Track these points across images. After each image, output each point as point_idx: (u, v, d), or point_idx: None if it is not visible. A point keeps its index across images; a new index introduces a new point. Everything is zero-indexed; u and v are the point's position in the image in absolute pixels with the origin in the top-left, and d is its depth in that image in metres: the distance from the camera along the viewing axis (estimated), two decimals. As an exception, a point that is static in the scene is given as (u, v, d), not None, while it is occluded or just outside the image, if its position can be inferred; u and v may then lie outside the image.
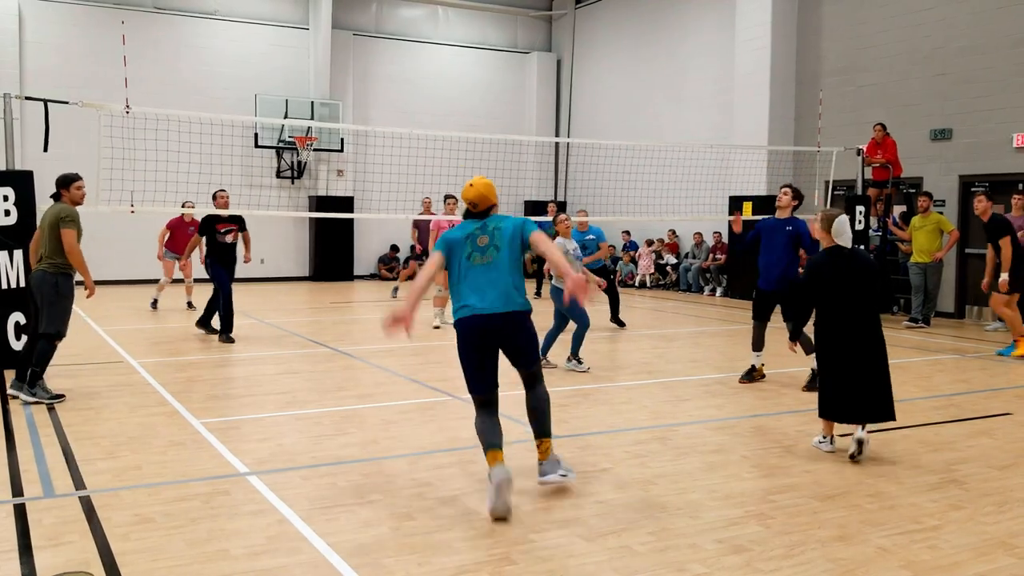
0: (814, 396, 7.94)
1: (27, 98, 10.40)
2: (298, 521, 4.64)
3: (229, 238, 11.09)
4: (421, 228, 16.06)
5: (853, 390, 5.94)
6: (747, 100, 17.79)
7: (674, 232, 20.16)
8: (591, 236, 12.06)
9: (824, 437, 6.28)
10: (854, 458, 5.94)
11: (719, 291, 18.50)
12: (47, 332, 7.59)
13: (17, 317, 9.00)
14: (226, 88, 20.25)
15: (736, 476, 5.57)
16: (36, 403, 7.40)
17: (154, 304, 14.70)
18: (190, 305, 14.87)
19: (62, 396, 7.61)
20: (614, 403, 7.86)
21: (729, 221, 12.69)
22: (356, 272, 21.77)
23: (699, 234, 19.31)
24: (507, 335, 5.17)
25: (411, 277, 15.59)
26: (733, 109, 18.25)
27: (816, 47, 17.20)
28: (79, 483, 5.27)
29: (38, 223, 8.23)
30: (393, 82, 22.60)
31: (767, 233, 8.64)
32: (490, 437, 5.05)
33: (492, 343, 5.15)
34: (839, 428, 6.32)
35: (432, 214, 15.57)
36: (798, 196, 8.69)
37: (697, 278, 19.03)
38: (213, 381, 8.63)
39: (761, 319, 8.73)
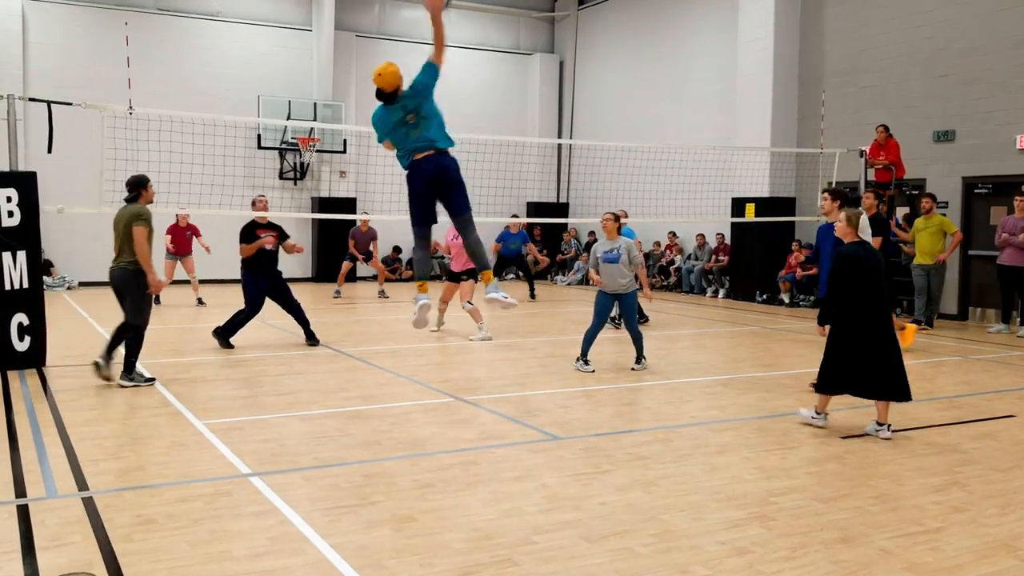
0: (815, 397, 7.95)
1: (30, 99, 10.42)
2: (300, 522, 4.64)
3: (268, 244, 10.91)
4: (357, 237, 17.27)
5: (863, 367, 6.53)
6: (750, 101, 17.78)
7: (674, 234, 20.13)
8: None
9: (818, 412, 6.85)
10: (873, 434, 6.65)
11: (721, 293, 18.49)
12: (135, 323, 8.24)
13: (20, 318, 9.01)
14: (229, 89, 20.27)
15: (738, 478, 5.56)
16: (135, 386, 8.14)
17: (156, 300, 14.84)
18: (200, 302, 15.31)
19: (153, 380, 8.39)
20: (616, 404, 7.86)
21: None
22: (359, 273, 21.76)
23: (702, 235, 19.29)
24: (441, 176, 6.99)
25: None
26: (736, 110, 18.24)
27: (819, 48, 17.19)
28: (82, 484, 5.27)
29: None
30: (396, 83, 22.57)
31: (820, 239, 8.37)
32: (423, 268, 7.37)
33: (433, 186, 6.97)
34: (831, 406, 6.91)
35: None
36: (840, 196, 8.14)
37: (700, 280, 19.02)
38: (216, 382, 8.63)
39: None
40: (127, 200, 8.47)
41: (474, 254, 7.33)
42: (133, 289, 8.25)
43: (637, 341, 9.42)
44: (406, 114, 7.05)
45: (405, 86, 7.13)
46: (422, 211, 7.12)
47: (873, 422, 6.75)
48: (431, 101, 7.10)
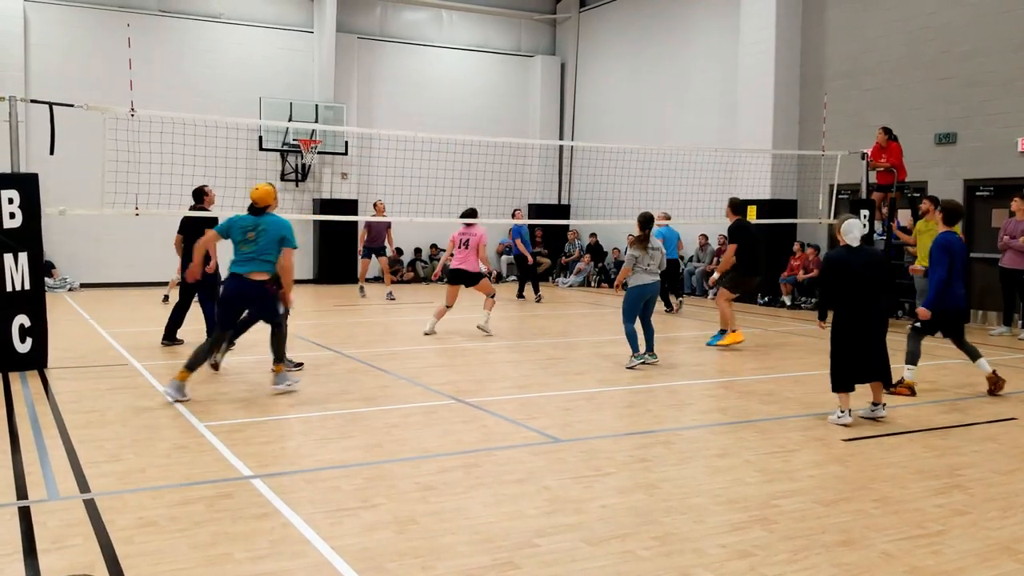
0: (819, 400, 7.96)
1: (32, 101, 10.42)
2: (302, 525, 4.64)
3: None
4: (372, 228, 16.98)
5: (863, 355, 7.10)
6: (751, 103, 17.78)
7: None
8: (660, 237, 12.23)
9: (842, 411, 7.13)
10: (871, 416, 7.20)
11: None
12: (274, 322, 8.37)
13: (22, 320, 9.02)
14: (231, 91, 20.29)
15: (740, 480, 5.56)
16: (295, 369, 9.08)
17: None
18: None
19: (301, 364, 9.32)
20: (617, 407, 7.86)
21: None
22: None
23: (704, 236, 19.29)
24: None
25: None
26: (737, 112, 18.24)
27: (820, 51, 17.19)
28: (83, 486, 5.27)
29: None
30: (397, 85, 22.62)
31: (942, 251, 8.25)
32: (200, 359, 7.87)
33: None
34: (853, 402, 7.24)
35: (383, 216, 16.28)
36: (936, 203, 8.24)
37: (701, 281, 19.00)
38: (216, 384, 8.63)
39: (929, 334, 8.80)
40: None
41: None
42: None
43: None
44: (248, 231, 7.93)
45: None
46: (225, 318, 8.09)
47: (869, 405, 7.28)
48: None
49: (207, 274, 9.44)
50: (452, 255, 12.28)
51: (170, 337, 10.90)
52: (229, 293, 7.97)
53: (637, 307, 9.86)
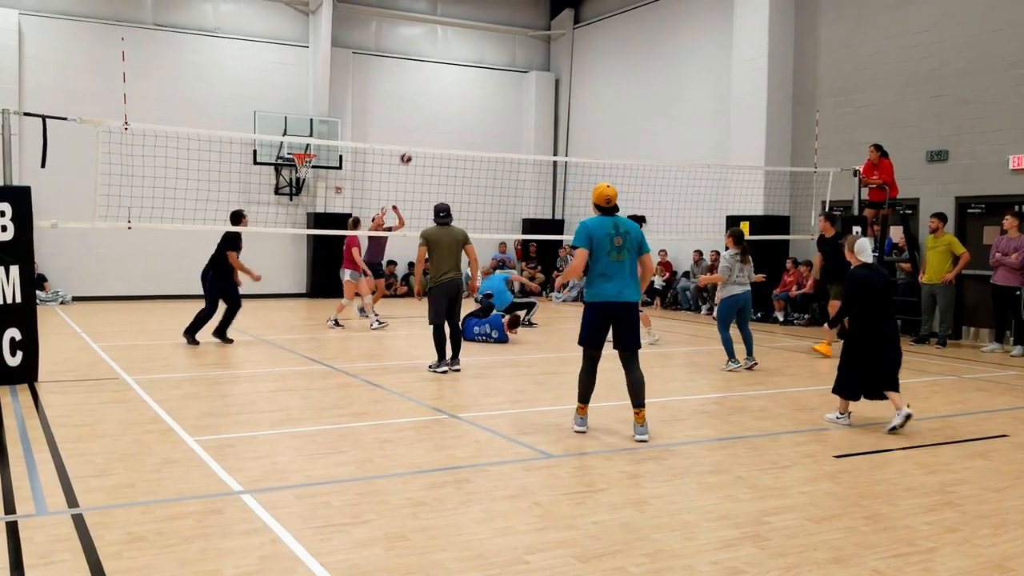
0: (810, 416, 7.97)
1: (26, 114, 10.41)
2: (291, 541, 4.62)
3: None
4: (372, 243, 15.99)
5: (874, 373, 7.32)
6: (744, 120, 17.87)
7: (665, 252, 20.14)
8: None
9: (841, 413, 7.57)
10: (895, 430, 7.29)
11: (716, 310, 18.48)
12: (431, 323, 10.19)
13: (13, 333, 8.98)
14: (225, 105, 20.32)
15: (732, 497, 5.55)
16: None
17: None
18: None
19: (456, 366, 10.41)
20: (610, 423, 7.84)
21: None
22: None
23: (698, 252, 19.34)
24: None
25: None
26: (730, 129, 18.32)
27: (813, 68, 17.29)
28: (72, 501, 5.24)
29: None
30: (392, 100, 22.68)
31: None
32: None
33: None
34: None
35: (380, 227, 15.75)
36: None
37: (695, 297, 19.04)
38: (208, 398, 8.60)
39: None
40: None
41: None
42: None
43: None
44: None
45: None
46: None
47: (895, 416, 7.38)
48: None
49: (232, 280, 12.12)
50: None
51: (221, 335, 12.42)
52: None
53: (731, 316, 10.64)
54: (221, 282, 12.15)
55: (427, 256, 10.21)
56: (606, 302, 7.00)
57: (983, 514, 5.31)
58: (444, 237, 10.22)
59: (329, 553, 4.46)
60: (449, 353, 10.43)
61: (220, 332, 12.38)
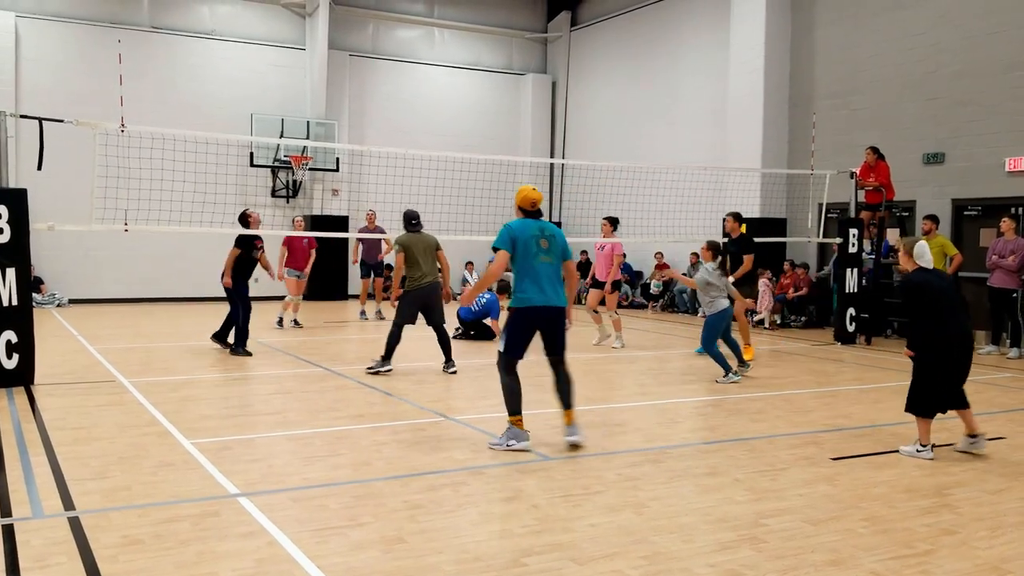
0: (807, 419, 7.97)
1: (22, 116, 10.39)
2: (288, 544, 4.61)
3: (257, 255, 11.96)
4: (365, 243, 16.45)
5: (951, 384, 6.76)
6: (741, 122, 17.89)
7: (662, 255, 20.10)
8: None
9: (923, 446, 6.74)
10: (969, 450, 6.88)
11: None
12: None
13: (9, 335, 8.96)
14: (222, 107, 20.31)
15: (729, 499, 5.55)
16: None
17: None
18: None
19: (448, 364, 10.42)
20: (607, 425, 7.84)
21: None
22: (351, 291, 21.73)
23: (695, 254, 19.31)
24: None
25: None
26: (727, 131, 18.34)
27: (810, 70, 17.31)
28: (68, 504, 5.23)
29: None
30: (389, 102, 22.68)
31: None
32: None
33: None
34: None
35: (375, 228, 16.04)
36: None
37: (693, 299, 19.03)
38: (205, 401, 8.59)
39: None
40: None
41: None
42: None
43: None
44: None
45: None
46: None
47: (964, 437, 6.95)
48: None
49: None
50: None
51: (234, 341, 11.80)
52: None
53: (720, 331, 10.28)
54: (235, 283, 11.75)
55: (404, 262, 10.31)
56: (535, 307, 6.79)
57: (980, 516, 5.32)
58: (419, 243, 10.38)
59: (326, 556, 4.45)
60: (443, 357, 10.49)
61: (220, 336, 12.18)
